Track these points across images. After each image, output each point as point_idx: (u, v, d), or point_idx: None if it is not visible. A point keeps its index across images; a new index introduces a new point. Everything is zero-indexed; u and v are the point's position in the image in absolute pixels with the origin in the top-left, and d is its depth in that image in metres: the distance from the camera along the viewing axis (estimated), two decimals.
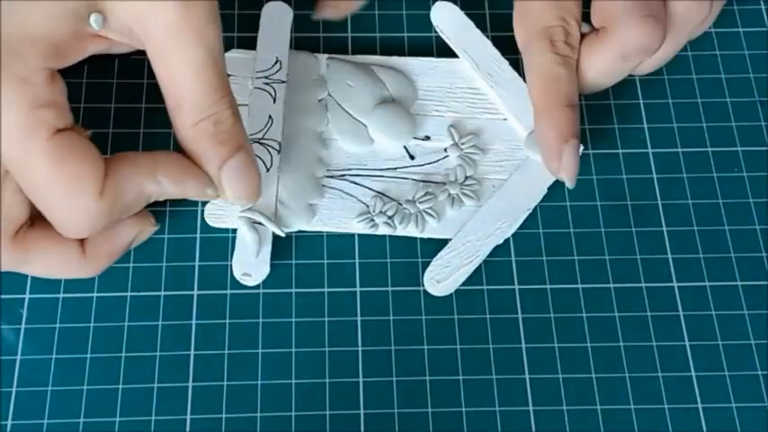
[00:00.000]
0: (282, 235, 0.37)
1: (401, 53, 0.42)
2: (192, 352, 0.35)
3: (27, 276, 0.36)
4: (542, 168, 0.38)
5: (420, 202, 0.38)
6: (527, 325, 0.36)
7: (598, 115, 0.41)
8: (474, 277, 0.37)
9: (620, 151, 0.40)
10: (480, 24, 0.42)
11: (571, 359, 0.36)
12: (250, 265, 0.36)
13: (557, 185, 0.39)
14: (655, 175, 0.39)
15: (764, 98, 0.41)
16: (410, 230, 0.37)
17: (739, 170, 0.40)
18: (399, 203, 0.38)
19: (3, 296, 0.36)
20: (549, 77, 0.37)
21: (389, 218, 0.37)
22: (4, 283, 0.36)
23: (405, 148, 0.39)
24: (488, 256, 0.37)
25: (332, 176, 0.38)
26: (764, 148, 0.40)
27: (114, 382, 0.34)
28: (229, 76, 0.40)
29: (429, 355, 0.36)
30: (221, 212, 0.37)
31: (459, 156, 0.39)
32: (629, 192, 0.39)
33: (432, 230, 0.37)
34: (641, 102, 0.41)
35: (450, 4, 0.42)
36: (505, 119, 0.40)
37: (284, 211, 0.37)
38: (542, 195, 0.38)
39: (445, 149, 0.39)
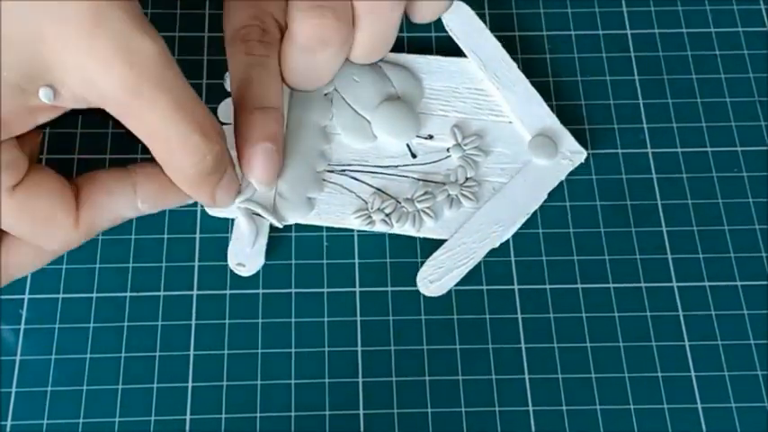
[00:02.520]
0: (280, 226, 0.37)
1: (400, 52, 0.42)
2: (192, 352, 0.35)
3: (27, 277, 0.36)
4: (544, 173, 0.38)
5: (418, 201, 0.38)
6: (526, 325, 0.36)
7: (597, 115, 0.41)
8: (473, 277, 0.37)
9: (620, 151, 0.40)
10: None
11: (570, 359, 0.36)
12: (245, 255, 0.36)
13: (557, 187, 0.39)
14: (654, 175, 0.39)
15: (764, 98, 0.41)
16: (407, 229, 0.37)
17: (739, 170, 0.40)
18: (398, 201, 0.38)
19: (2, 297, 0.36)
20: (241, 80, 0.36)
21: (387, 215, 0.37)
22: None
23: (407, 146, 0.39)
24: (487, 256, 0.37)
25: (332, 171, 0.38)
26: (764, 148, 0.40)
27: (114, 383, 0.34)
28: None
29: (428, 355, 0.36)
30: None
31: (461, 156, 0.39)
32: (628, 192, 0.39)
33: (428, 230, 0.37)
34: (641, 102, 0.41)
35: (462, 4, 0.42)
36: (510, 122, 0.40)
37: (283, 204, 0.37)
38: (542, 200, 0.38)
39: (448, 149, 0.39)
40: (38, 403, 0.34)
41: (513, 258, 0.37)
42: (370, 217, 0.37)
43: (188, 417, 0.34)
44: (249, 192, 0.36)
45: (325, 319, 0.36)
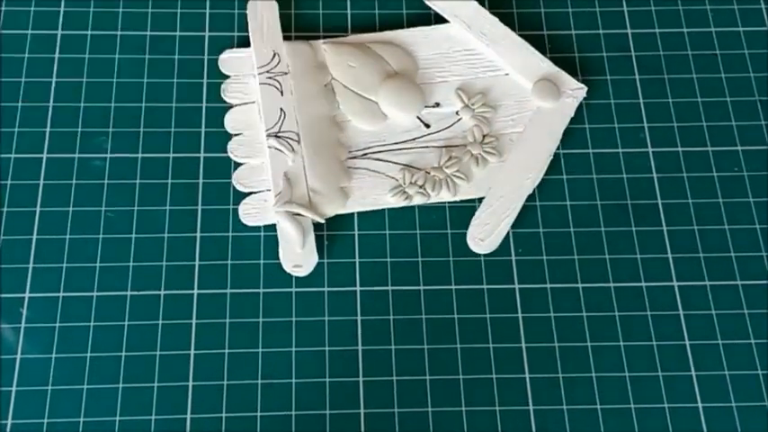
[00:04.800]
0: (322, 221, 0.37)
1: (400, 22, 0.42)
2: (192, 351, 0.35)
3: (27, 276, 0.36)
4: (554, 115, 0.39)
5: (446, 167, 0.38)
6: (527, 324, 0.36)
7: (598, 115, 0.41)
8: (474, 276, 0.37)
9: (620, 150, 0.40)
10: None
11: (571, 358, 0.36)
12: (298, 256, 0.36)
13: (558, 186, 0.39)
14: (655, 175, 0.39)
15: (764, 97, 0.41)
16: (443, 196, 0.38)
17: (739, 170, 0.40)
18: (427, 172, 0.38)
19: (3, 295, 0.36)
20: None
21: (421, 187, 0.38)
22: (5, 283, 0.36)
23: (418, 118, 0.40)
24: (489, 255, 0.37)
25: (354, 157, 0.39)
26: (764, 148, 0.40)
27: (114, 382, 0.34)
28: (230, 77, 0.40)
29: (429, 354, 0.36)
30: (256, 211, 0.37)
31: (472, 116, 0.39)
32: (629, 191, 0.39)
33: (464, 192, 0.38)
34: (641, 101, 0.41)
35: None
36: (507, 74, 0.41)
37: (318, 199, 0.37)
38: (559, 140, 0.39)
39: (457, 113, 0.40)
40: (38, 402, 0.34)
41: (513, 258, 0.37)
42: (405, 192, 0.38)
43: (188, 416, 0.34)
44: (286, 195, 0.36)
45: (326, 319, 0.36)
